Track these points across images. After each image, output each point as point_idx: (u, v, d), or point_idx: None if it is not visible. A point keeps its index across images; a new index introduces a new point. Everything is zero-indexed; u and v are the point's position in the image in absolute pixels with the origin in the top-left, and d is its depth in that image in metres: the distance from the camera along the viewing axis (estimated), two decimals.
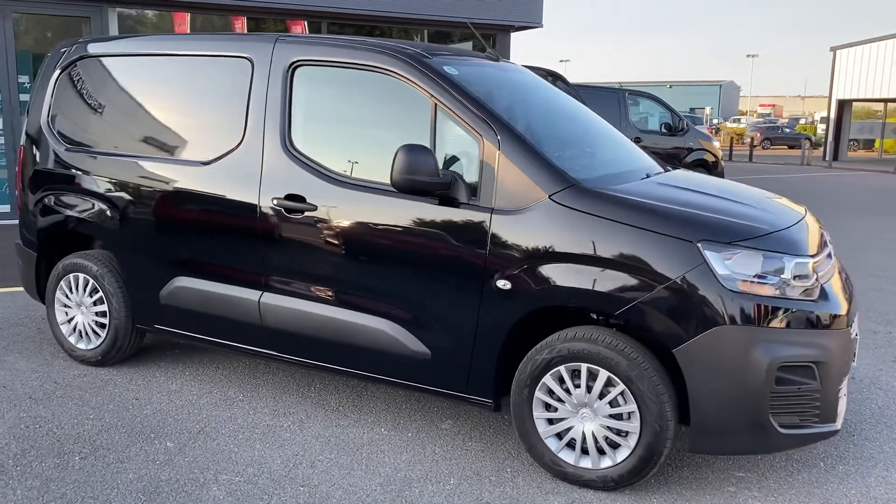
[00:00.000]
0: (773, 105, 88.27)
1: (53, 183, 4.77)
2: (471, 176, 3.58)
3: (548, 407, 3.48)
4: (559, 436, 3.49)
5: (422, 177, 3.46)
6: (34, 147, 4.87)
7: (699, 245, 3.17)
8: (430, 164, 3.45)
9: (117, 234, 4.52)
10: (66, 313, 4.86)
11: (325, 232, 3.84)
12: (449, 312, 3.59)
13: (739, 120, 61.20)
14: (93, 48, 4.71)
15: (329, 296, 3.88)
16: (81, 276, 4.71)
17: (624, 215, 3.28)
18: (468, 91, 3.64)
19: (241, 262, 4.11)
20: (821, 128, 49.16)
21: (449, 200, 3.56)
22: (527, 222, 3.41)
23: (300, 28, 11.60)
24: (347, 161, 3.88)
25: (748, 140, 37.62)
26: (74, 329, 4.83)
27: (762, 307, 3.15)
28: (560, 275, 3.34)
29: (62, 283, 4.81)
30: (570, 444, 3.46)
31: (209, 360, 4.99)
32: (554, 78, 9.37)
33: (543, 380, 3.44)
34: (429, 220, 3.60)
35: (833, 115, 33.11)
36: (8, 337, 5.38)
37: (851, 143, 35.58)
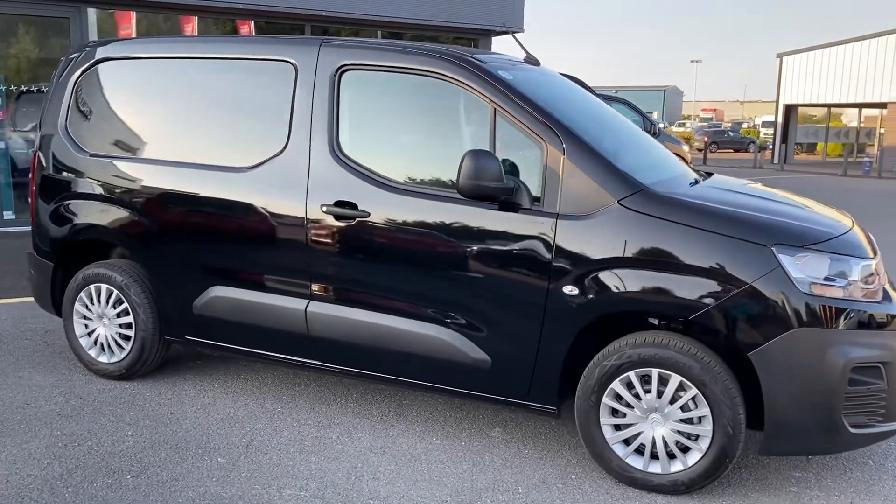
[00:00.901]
0: (715, 109, 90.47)
1: (72, 190, 4.58)
2: (532, 181, 3.55)
3: (615, 412, 3.48)
4: (626, 441, 3.48)
5: (488, 182, 3.42)
6: (50, 154, 4.67)
7: (773, 249, 3.21)
8: (496, 169, 3.42)
9: (146, 244, 4.36)
10: (86, 326, 4.66)
11: (379, 239, 3.77)
12: (512, 319, 3.56)
13: (684, 124, 62.56)
14: (117, 50, 4.54)
15: (383, 304, 3.81)
16: (104, 286, 4.53)
17: (697, 220, 3.30)
18: (528, 95, 3.62)
19: (285, 270, 4.01)
20: (763, 132, 50.62)
21: (510, 206, 3.54)
22: (595, 228, 3.40)
23: (247, 29, 11.25)
24: (400, 167, 3.82)
25: (697, 144, 38.47)
26: (95, 342, 4.64)
27: (832, 309, 3.20)
28: (631, 280, 3.34)
29: (82, 294, 4.62)
30: (639, 450, 3.46)
31: (236, 371, 4.85)
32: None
33: (612, 385, 3.44)
34: (490, 226, 3.56)
35: (780, 119, 34.14)
36: (15, 351, 5.14)
37: (796, 146, 36.73)
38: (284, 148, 4.00)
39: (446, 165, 3.71)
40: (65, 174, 4.61)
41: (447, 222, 3.64)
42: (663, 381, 3.36)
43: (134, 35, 10.37)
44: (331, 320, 3.93)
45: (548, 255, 3.46)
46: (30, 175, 4.81)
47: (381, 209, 3.76)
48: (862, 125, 41.58)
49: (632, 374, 3.40)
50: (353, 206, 3.81)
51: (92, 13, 9.77)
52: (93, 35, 9.85)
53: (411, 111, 3.93)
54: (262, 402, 4.36)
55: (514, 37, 4.48)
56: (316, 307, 3.96)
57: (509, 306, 3.56)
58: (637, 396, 3.42)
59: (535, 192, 3.53)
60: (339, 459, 3.69)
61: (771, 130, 39.81)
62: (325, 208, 3.85)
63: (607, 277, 3.37)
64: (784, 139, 33.27)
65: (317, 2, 10.85)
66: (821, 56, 32.31)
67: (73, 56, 4.71)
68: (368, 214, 3.77)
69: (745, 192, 3.90)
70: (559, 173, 3.48)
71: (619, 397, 3.46)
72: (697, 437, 3.34)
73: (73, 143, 4.59)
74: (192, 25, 10.97)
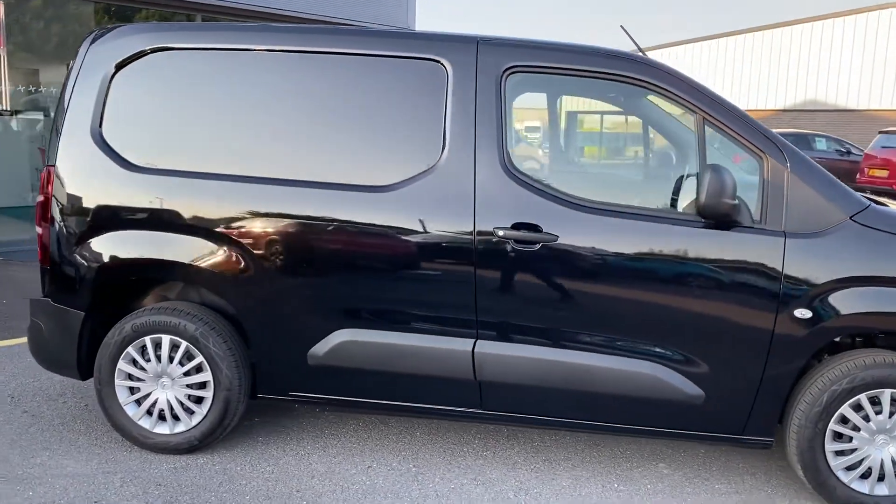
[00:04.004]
0: None
1: (118, 216, 3.54)
2: (748, 197, 3.29)
3: (838, 437, 3.31)
4: (850, 468, 3.34)
5: (729, 199, 3.11)
6: (77, 168, 3.57)
7: None
8: (734, 186, 3.11)
9: (239, 283, 3.48)
10: (132, 390, 3.64)
11: (571, 265, 3.29)
12: (733, 348, 3.27)
13: None
14: (178, 38, 3.56)
15: (575, 340, 3.34)
16: (167, 338, 3.55)
17: None
18: (734, 105, 3.34)
19: (444, 305, 3.38)
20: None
21: (728, 224, 3.24)
22: (828, 245, 3.20)
23: None
24: (587, 182, 3.37)
25: None
26: (149, 410, 3.63)
27: None
28: (868, 299, 3.19)
29: (130, 349, 3.58)
30: (864, 475, 3.33)
31: (309, 423, 4.04)
32: None
33: (840, 410, 3.27)
34: (707, 247, 3.24)
35: None
36: (26, 423, 3.90)
37: None
38: (437, 163, 3.36)
39: (646, 180, 3.33)
40: (101, 196, 3.55)
41: (653, 244, 3.27)
42: (895, 402, 3.25)
43: None
44: (507, 361, 3.37)
45: (775, 277, 3.21)
46: (40, 196, 3.65)
47: (572, 232, 3.28)
48: None
49: (863, 397, 3.25)
50: (536, 228, 3.29)
51: None
52: None
53: (594, 118, 3.49)
54: (387, 461, 3.66)
55: (623, 28, 4.15)
56: (487, 347, 3.38)
57: (730, 334, 3.26)
58: (866, 419, 3.28)
59: (754, 208, 3.27)
60: None
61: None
62: (501, 232, 3.29)
63: (843, 297, 3.20)
64: None
65: None
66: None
67: (100, 44, 3.63)
68: (556, 238, 3.28)
69: None
70: (783, 188, 3.24)
71: (844, 421, 3.30)
72: None
73: (113, 156, 3.54)
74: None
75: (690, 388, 3.31)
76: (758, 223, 3.25)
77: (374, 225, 3.38)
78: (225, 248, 3.47)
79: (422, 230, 3.36)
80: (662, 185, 3.60)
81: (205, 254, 3.48)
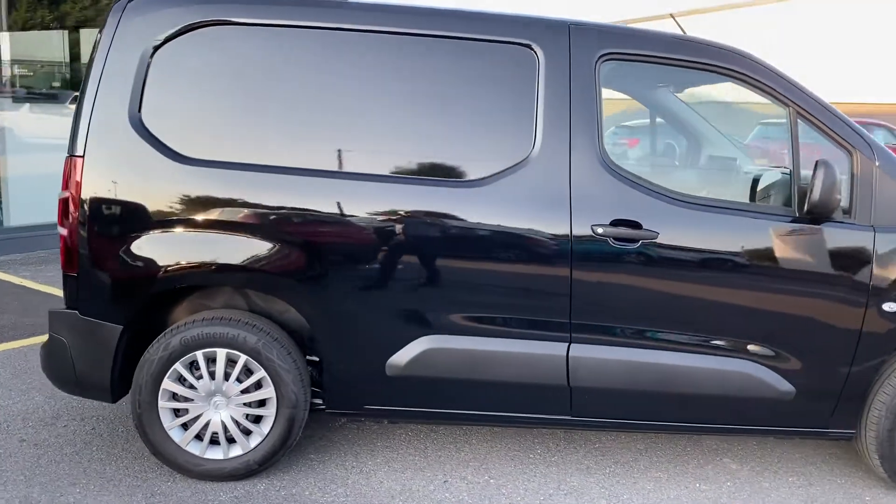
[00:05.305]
0: None
1: (165, 214, 3.08)
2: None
3: None
4: None
5: (839, 195, 3.09)
6: (111, 159, 3.08)
7: None
8: (839, 181, 3.09)
9: (309, 289, 3.13)
10: (177, 412, 3.21)
11: (671, 263, 3.18)
12: (823, 342, 3.27)
13: None
14: (235, 10, 3.12)
15: (670, 340, 3.23)
16: (223, 351, 3.15)
17: None
18: (824, 100, 3.32)
19: (536, 308, 3.19)
20: None
21: (817, 219, 3.23)
22: None
23: None
24: (681, 176, 3.26)
25: None
26: (199, 435, 3.21)
27: None
28: None
29: (177, 366, 3.15)
30: None
31: (350, 435, 3.74)
32: None
33: None
34: (802, 242, 3.22)
35: None
36: (33, 455, 3.34)
37: None
38: (529, 155, 3.15)
39: (740, 174, 3.26)
40: (148, 189, 3.09)
41: (749, 240, 3.21)
42: None
43: None
44: (602, 365, 3.22)
45: (866, 271, 3.23)
46: (63, 191, 3.13)
47: (672, 229, 3.17)
48: None
49: None
50: (636, 225, 3.15)
51: None
52: None
53: (687, 110, 3.37)
54: (459, 473, 3.43)
55: (674, 17, 4.07)
56: (581, 351, 3.21)
57: (820, 329, 3.26)
58: None
59: (843, 203, 3.28)
60: None
61: None
62: (600, 230, 3.13)
63: None
64: None
65: None
66: None
67: (134, 14, 3.14)
68: (656, 235, 3.15)
69: None
70: (872, 183, 3.25)
71: None
72: None
73: (158, 145, 3.08)
74: None
75: (782, 385, 3.29)
76: (846, 218, 3.26)
77: (462, 222, 3.13)
78: (294, 250, 3.11)
79: (513, 227, 3.14)
80: (749, 179, 3.55)
81: (271, 256, 3.10)
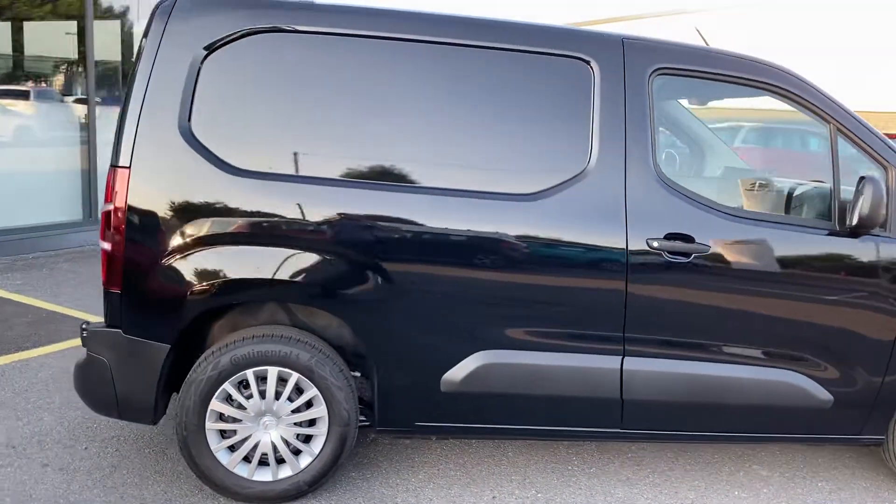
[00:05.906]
0: None
1: (219, 229, 2.96)
2: None
3: None
4: None
5: (885, 210, 3.18)
6: (161, 172, 2.94)
7: None
8: (884, 197, 3.19)
9: (360, 304, 3.05)
10: (224, 434, 3.09)
11: (721, 276, 3.23)
12: (861, 352, 3.37)
13: None
14: (292, 17, 3.01)
15: (719, 352, 3.28)
16: (274, 370, 3.04)
17: None
18: (862, 118, 3.42)
19: (591, 322, 3.19)
20: None
21: (856, 232, 3.33)
22: None
23: None
24: (729, 189, 3.31)
25: None
26: (247, 456, 3.10)
27: None
28: None
29: (226, 385, 3.03)
30: None
31: (387, 451, 3.67)
32: None
33: None
34: (844, 255, 3.31)
35: None
36: (61, 481, 3.15)
37: None
38: (584, 169, 3.15)
39: (774, 189, 3.34)
40: (200, 203, 2.96)
41: (795, 253, 3.29)
42: None
43: None
44: (655, 378, 3.24)
45: None
46: (106, 203, 2.97)
47: (722, 242, 3.22)
48: None
49: None
50: (688, 238, 3.18)
51: None
52: None
53: (732, 125, 3.41)
54: (506, 489, 3.40)
55: (698, 30, 4.13)
56: (634, 364, 3.23)
57: (860, 339, 3.36)
58: None
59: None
60: None
61: None
62: (655, 243, 3.15)
63: None
64: None
65: None
66: None
67: (181, 19, 3.00)
68: (708, 248, 3.20)
69: None
70: None
71: None
72: None
73: (210, 157, 2.96)
74: None
75: (822, 394, 3.37)
76: (882, 231, 3.37)
77: (518, 236, 3.11)
78: (353, 264, 3.03)
79: (569, 241, 3.14)
80: (788, 193, 3.63)
81: (329, 271, 3.02)
